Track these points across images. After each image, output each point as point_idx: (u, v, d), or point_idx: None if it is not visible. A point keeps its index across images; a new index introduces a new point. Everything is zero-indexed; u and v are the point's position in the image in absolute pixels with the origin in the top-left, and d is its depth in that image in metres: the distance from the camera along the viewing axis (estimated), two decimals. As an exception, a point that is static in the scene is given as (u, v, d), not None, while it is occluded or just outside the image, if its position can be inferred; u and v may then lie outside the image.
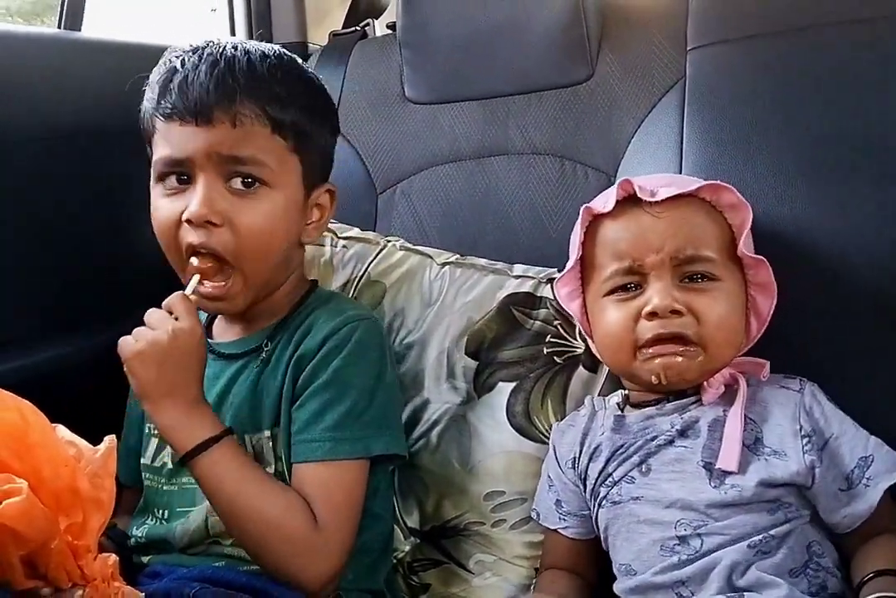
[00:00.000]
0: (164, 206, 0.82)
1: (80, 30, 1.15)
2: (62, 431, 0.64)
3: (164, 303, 0.80)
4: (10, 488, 0.57)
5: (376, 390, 0.84)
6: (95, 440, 0.65)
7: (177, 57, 0.82)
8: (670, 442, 0.79)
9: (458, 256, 1.06)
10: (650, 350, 0.78)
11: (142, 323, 0.80)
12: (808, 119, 0.96)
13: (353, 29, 1.39)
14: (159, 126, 0.82)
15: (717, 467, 0.75)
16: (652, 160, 1.06)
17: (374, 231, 1.14)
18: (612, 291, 0.82)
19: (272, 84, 0.82)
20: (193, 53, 0.82)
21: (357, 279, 1.05)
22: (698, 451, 0.77)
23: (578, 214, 0.92)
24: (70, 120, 1.07)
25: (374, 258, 1.06)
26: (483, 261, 1.04)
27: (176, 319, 0.78)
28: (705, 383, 0.80)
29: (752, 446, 0.76)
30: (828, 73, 0.97)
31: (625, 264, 0.81)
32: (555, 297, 0.96)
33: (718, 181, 0.83)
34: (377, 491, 0.86)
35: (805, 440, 0.76)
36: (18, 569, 0.59)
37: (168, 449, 0.87)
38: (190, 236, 0.80)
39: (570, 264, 0.87)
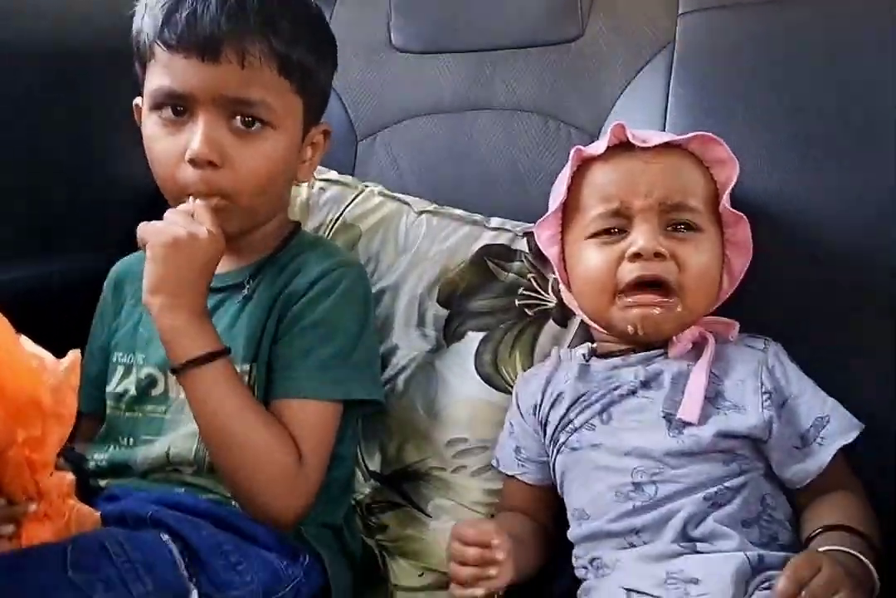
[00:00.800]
0: (161, 139, 0.80)
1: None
2: (26, 342, 0.62)
3: (182, 208, 0.78)
4: None
5: (361, 336, 0.84)
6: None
7: None
8: (632, 392, 0.80)
9: (435, 205, 1.05)
10: (630, 299, 0.79)
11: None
12: (793, 89, 0.96)
13: (342, -29, 1.36)
14: (159, 54, 0.78)
15: (677, 417, 0.76)
16: (636, 123, 1.03)
17: (352, 176, 1.12)
18: (595, 234, 0.82)
19: (282, 20, 0.79)
20: None
21: (332, 222, 1.04)
22: (659, 402, 0.78)
23: (559, 171, 0.92)
24: (48, 38, 1.03)
25: (351, 202, 1.05)
26: (461, 212, 1.04)
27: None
28: (674, 337, 0.81)
29: (713, 399, 0.78)
30: (816, 43, 0.97)
31: (612, 206, 0.81)
32: (531, 249, 0.96)
33: (709, 134, 0.83)
34: (345, 434, 0.86)
35: (765, 397, 0.78)
36: (-31, 480, 0.58)
37: (133, 377, 0.86)
38: (190, 176, 0.78)
39: (554, 206, 0.87)
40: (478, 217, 1.03)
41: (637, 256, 0.78)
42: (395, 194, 1.07)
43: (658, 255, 0.78)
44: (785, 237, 0.90)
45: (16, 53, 0.99)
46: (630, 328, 0.80)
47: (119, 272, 0.95)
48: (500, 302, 0.96)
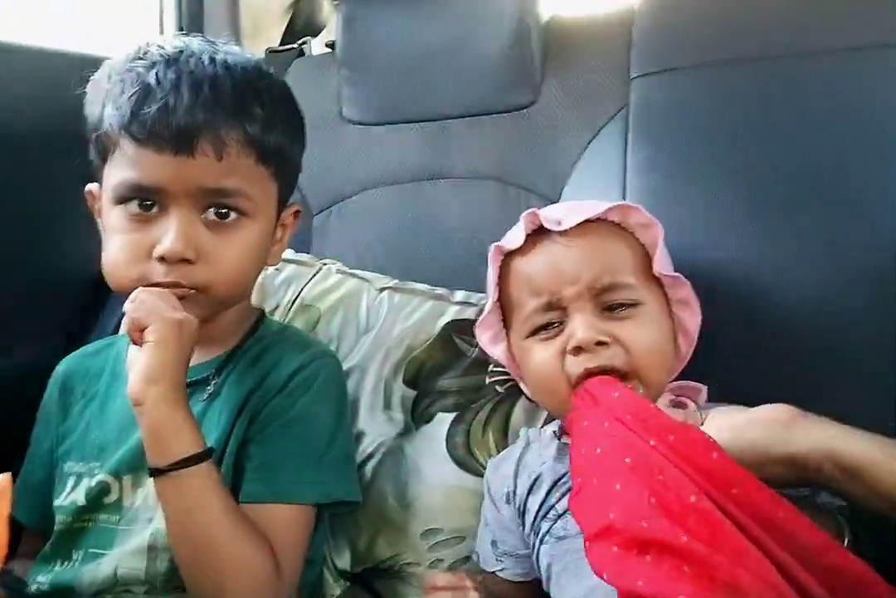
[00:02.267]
0: (126, 233, 0.74)
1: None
2: (-50, 466, 0.57)
3: (154, 291, 0.71)
4: None
5: (337, 432, 0.80)
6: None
7: (146, 68, 0.72)
8: None
9: (396, 281, 1.02)
10: None
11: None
12: (747, 150, 0.96)
13: (289, 46, 1.36)
14: (126, 147, 0.72)
15: None
16: (595, 187, 1.04)
17: (308, 254, 1.09)
18: (533, 332, 0.78)
19: (256, 106, 0.75)
20: (168, 67, 0.72)
21: (290, 303, 1.00)
22: None
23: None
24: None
25: (309, 281, 1.02)
26: (423, 286, 1.01)
27: None
28: None
29: None
30: (768, 105, 0.97)
31: (543, 300, 0.77)
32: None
33: (624, 202, 0.80)
34: (316, 535, 0.81)
35: None
36: None
37: (83, 486, 0.79)
38: (157, 273, 0.72)
39: (488, 307, 0.83)
40: (441, 291, 1.00)
41: (579, 349, 0.74)
42: (354, 271, 1.03)
43: (600, 343, 0.74)
44: (741, 301, 0.89)
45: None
46: None
47: (66, 371, 0.89)
48: (469, 380, 0.92)
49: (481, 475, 0.87)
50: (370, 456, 0.91)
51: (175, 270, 0.72)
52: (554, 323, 0.77)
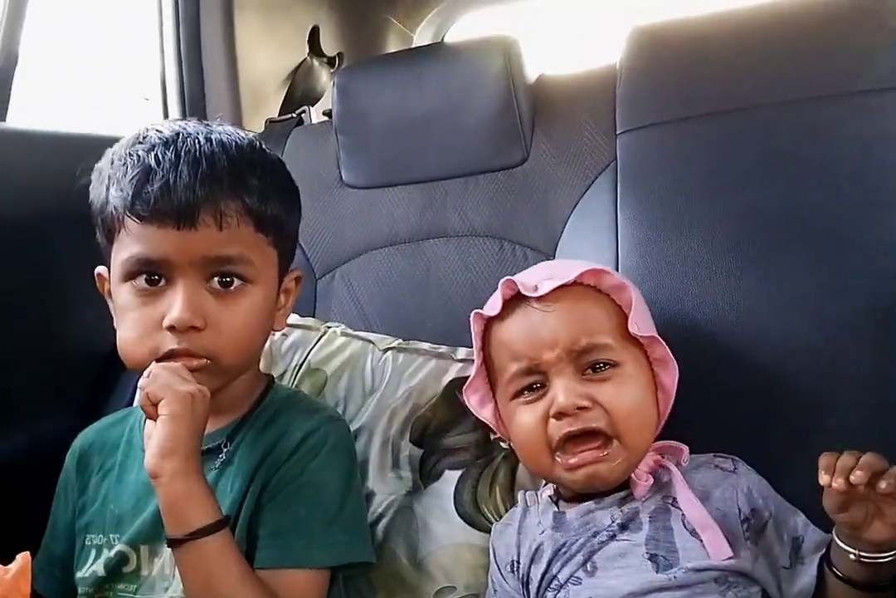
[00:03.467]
0: (136, 309, 0.77)
1: (3, 119, 1.13)
2: (-29, 549, 0.59)
3: (168, 366, 0.74)
4: None
5: (348, 495, 0.82)
6: (10, 555, 0.60)
7: (147, 151, 0.76)
8: (612, 537, 0.76)
9: (400, 340, 1.04)
10: (571, 460, 0.76)
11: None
12: (737, 197, 0.99)
13: (288, 116, 1.41)
14: (131, 226, 0.76)
15: (714, 561, 0.72)
16: (589, 241, 1.07)
17: (313, 317, 1.12)
18: (517, 394, 0.80)
19: (252, 179, 0.79)
20: (167, 148, 0.76)
21: (297, 367, 1.03)
22: (642, 543, 0.75)
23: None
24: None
25: (315, 345, 1.04)
26: (426, 345, 1.03)
27: None
28: (632, 475, 0.78)
29: (696, 532, 0.74)
30: (755, 153, 1.01)
31: (523, 365, 0.79)
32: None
33: (595, 266, 0.82)
34: (329, 596, 0.82)
35: (745, 526, 0.76)
36: None
37: (103, 557, 0.81)
38: (168, 342, 0.75)
39: (473, 371, 0.85)
40: (443, 349, 1.02)
41: (561, 414, 0.75)
42: (359, 333, 1.06)
43: (581, 408, 0.75)
44: (736, 345, 0.91)
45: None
46: (579, 487, 0.78)
47: (83, 444, 0.91)
48: (473, 436, 0.94)
49: (489, 531, 0.88)
50: (381, 516, 0.92)
51: (185, 338, 0.75)
52: (536, 386, 0.79)
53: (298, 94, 1.53)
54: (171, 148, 0.76)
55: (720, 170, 1.01)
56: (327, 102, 1.40)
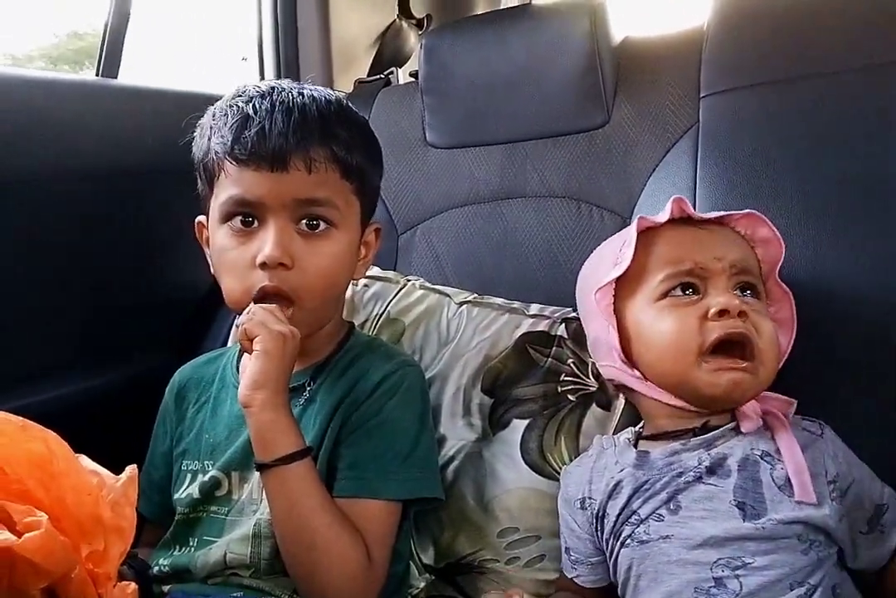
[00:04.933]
0: (232, 249, 0.83)
1: (116, 77, 1.20)
2: (84, 460, 0.66)
3: (267, 307, 0.80)
4: (31, 522, 0.58)
5: (421, 434, 0.87)
6: (117, 472, 0.67)
7: (245, 102, 0.83)
8: (698, 479, 0.76)
9: (475, 295, 1.08)
10: (718, 363, 0.77)
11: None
12: (818, 164, 0.98)
13: (377, 77, 1.44)
14: (229, 169, 0.82)
15: (795, 498, 0.73)
16: (666, 203, 1.08)
17: (393, 271, 1.17)
18: (665, 295, 0.81)
19: (340, 130, 0.85)
20: (263, 99, 0.83)
21: (378, 317, 1.08)
22: (730, 490, 0.75)
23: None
24: (106, 162, 1.11)
25: (394, 297, 1.09)
26: (500, 300, 1.07)
27: None
28: (742, 410, 0.79)
29: (785, 486, 0.74)
30: (840, 118, 0.99)
31: (685, 267, 0.80)
32: (570, 334, 0.98)
33: (755, 212, 0.84)
34: (401, 529, 0.88)
35: (831, 487, 0.75)
36: (39, 599, 0.61)
37: (198, 481, 0.89)
38: (261, 279, 0.81)
39: (613, 275, 0.84)
40: (517, 304, 1.05)
41: (723, 313, 0.76)
42: (436, 286, 1.10)
43: (741, 314, 0.76)
44: (815, 312, 0.90)
45: (76, 175, 1.08)
46: (719, 394, 0.77)
47: (181, 379, 0.99)
48: (542, 388, 0.97)
49: (553, 479, 0.92)
50: (451, 459, 0.97)
51: (275, 276, 0.81)
52: (688, 289, 0.80)
53: (387, 55, 1.56)
54: (268, 99, 0.83)
55: (804, 136, 1.00)
56: (414, 63, 1.43)
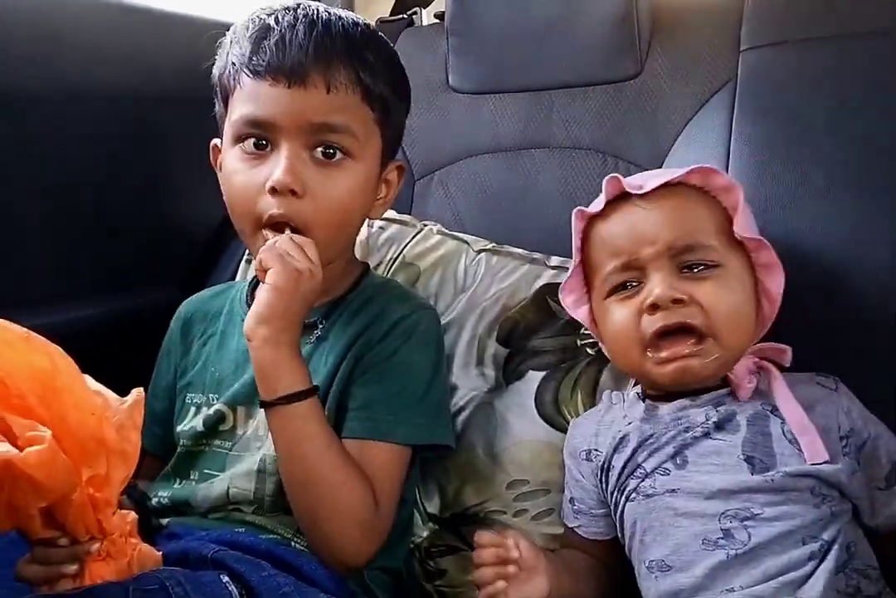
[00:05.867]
0: (242, 172, 0.79)
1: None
2: (89, 381, 0.62)
3: (297, 239, 0.76)
4: (33, 436, 0.55)
5: (434, 379, 0.85)
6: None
7: (268, 14, 0.79)
8: (706, 434, 0.76)
9: (494, 244, 1.05)
10: (662, 354, 0.75)
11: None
12: (860, 127, 0.95)
13: (399, 16, 1.39)
14: (245, 83, 0.78)
15: (808, 462, 0.72)
16: (697, 160, 1.02)
17: (410, 216, 1.13)
18: (612, 291, 0.80)
19: (366, 51, 0.80)
20: (287, 12, 0.79)
21: (392, 261, 1.04)
22: (738, 444, 0.74)
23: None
24: (117, 83, 1.07)
25: (410, 241, 1.05)
26: (520, 250, 1.03)
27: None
28: (731, 375, 0.78)
29: (795, 439, 0.74)
30: (884, 81, 0.95)
31: (621, 260, 0.79)
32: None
33: (704, 165, 0.80)
34: (409, 476, 0.85)
35: (843, 442, 0.75)
36: (37, 520, 0.58)
37: (202, 414, 0.86)
38: (269, 207, 0.77)
39: (571, 269, 0.86)
40: (537, 255, 1.02)
41: (655, 306, 0.75)
42: (454, 233, 1.07)
43: (676, 301, 0.74)
44: (857, 281, 0.88)
45: (93, 99, 1.03)
46: (669, 383, 0.77)
47: (187, 311, 0.96)
48: (560, 341, 0.94)
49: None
50: (462, 409, 0.94)
51: (284, 204, 0.76)
52: (632, 283, 0.79)
53: (411, -6, 1.50)
54: (291, 12, 0.79)
55: (848, 97, 0.97)
56: (439, 4, 1.37)
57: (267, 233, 0.78)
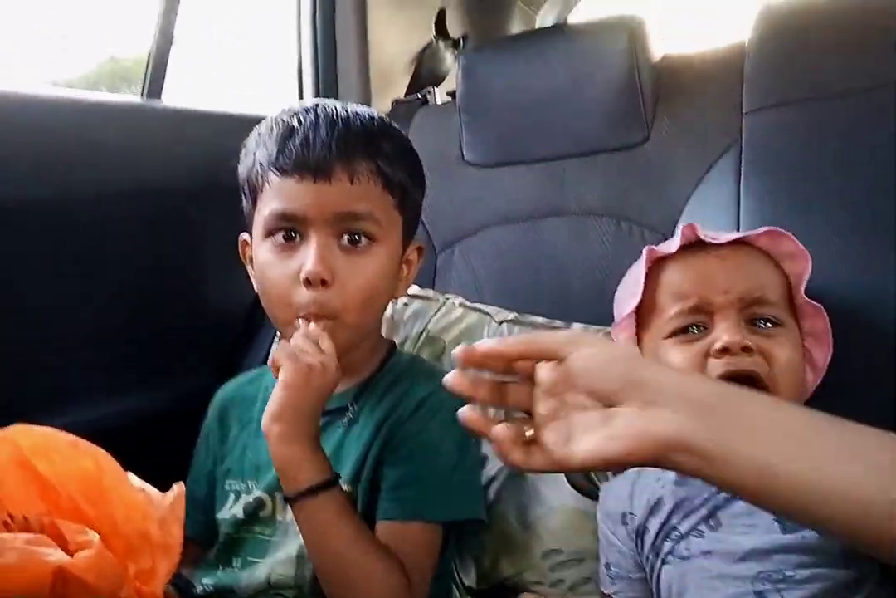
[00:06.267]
0: (275, 265, 0.83)
1: (159, 97, 1.22)
2: (132, 478, 0.66)
3: (309, 334, 0.80)
4: (83, 540, 0.59)
5: (464, 454, 0.86)
6: (162, 491, 0.67)
7: (290, 116, 0.84)
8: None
9: (515, 314, 1.07)
10: None
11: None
12: (866, 181, 0.97)
13: (414, 96, 1.45)
14: (273, 181, 0.83)
15: None
16: (709, 222, 1.05)
17: (432, 289, 1.16)
18: (674, 333, 0.81)
19: (383, 142, 0.85)
20: (308, 113, 0.84)
21: (418, 336, 1.07)
22: None
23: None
24: (150, 183, 1.12)
25: (434, 315, 1.08)
26: (541, 319, 1.06)
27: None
28: None
29: None
30: (886, 134, 0.97)
31: (691, 304, 0.80)
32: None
33: (776, 228, 0.83)
34: (444, 551, 0.87)
35: None
36: (87, 617, 0.61)
37: (242, 501, 0.88)
38: (303, 297, 0.81)
39: (628, 308, 0.86)
40: (558, 323, 1.04)
41: (724, 351, 0.75)
42: (476, 305, 1.10)
43: (745, 349, 0.75)
44: (863, 328, 0.89)
45: (122, 196, 1.09)
46: None
47: (224, 398, 0.99)
48: (586, 408, 0.95)
49: (598, 498, 0.89)
50: (493, 479, 0.95)
51: (316, 295, 0.80)
52: (696, 327, 0.80)
53: (424, 75, 1.57)
54: (312, 112, 0.84)
55: (852, 151, 0.99)
56: (451, 83, 1.43)
57: (300, 322, 0.81)
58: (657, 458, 0.51)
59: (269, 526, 0.86)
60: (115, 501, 0.62)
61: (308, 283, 0.80)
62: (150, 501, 0.65)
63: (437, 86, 1.53)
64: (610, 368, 0.53)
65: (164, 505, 0.65)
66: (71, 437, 0.61)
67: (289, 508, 0.83)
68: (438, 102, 1.49)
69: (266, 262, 0.84)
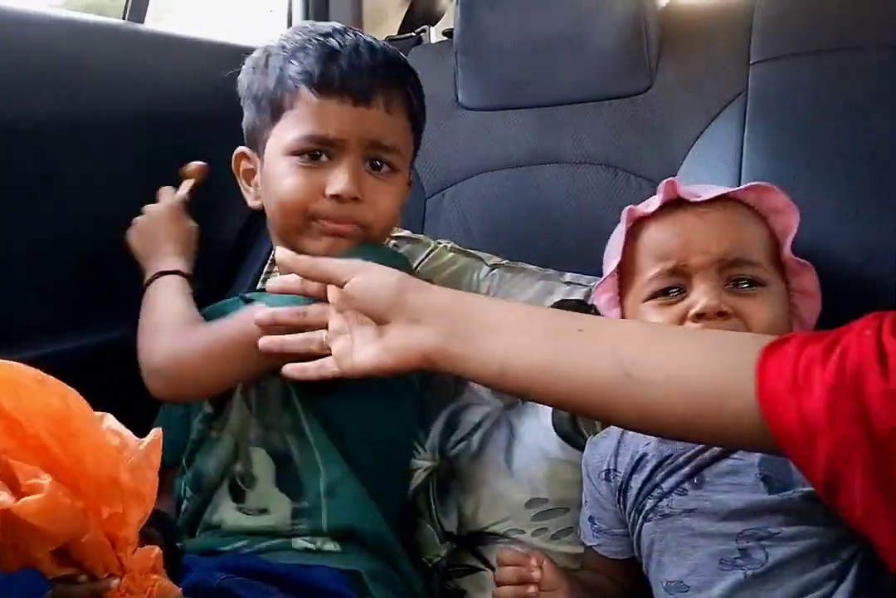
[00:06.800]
0: (295, 175, 0.84)
1: (142, 22, 1.16)
2: (109, 420, 0.63)
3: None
4: (33, 484, 0.56)
5: None
6: (132, 429, 0.64)
7: (323, 36, 0.84)
8: (723, 453, 0.75)
9: (507, 260, 1.05)
10: None
11: None
12: (872, 137, 0.95)
13: (408, 34, 1.40)
14: (309, 100, 0.83)
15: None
16: (709, 173, 1.04)
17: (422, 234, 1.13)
18: (653, 295, 0.80)
19: (409, 75, 0.89)
20: (343, 35, 0.85)
21: (406, 277, 1.05)
22: (755, 464, 0.73)
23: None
24: (130, 109, 1.08)
25: (425, 258, 1.06)
26: (533, 267, 1.04)
27: None
28: None
29: None
30: (889, 90, 0.95)
31: (669, 266, 0.78)
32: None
33: (762, 183, 0.81)
34: (406, 414, 0.94)
35: None
36: (47, 562, 0.58)
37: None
38: (328, 208, 0.83)
39: (610, 268, 0.85)
40: (550, 271, 1.02)
41: (700, 316, 0.74)
42: (467, 249, 1.07)
43: (722, 313, 0.74)
44: (860, 285, 0.88)
45: (100, 121, 1.05)
46: None
47: None
48: (575, 358, 0.94)
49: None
50: (477, 426, 0.94)
51: (345, 208, 0.83)
52: (674, 289, 0.78)
53: (418, 12, 1.51)
54: (346, 36, 0.85)
55: (859, 108, 0.96)
56: (447, 22, 1.38)
57: (325, 223, 0.84)
58: (422, 364, 0.62)
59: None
60: (86, 443, 0.58)
61: (338, 198, 0.82)
62: (125, 446, 0.62)
63: (432, 24, 1.47)
64: (380, 291, 0.64)
65: (139, 451, 0.62)
66: (38, 373, 0.58)
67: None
68: (433, 42, 1.44)
69: (284, 173, 0.84)
